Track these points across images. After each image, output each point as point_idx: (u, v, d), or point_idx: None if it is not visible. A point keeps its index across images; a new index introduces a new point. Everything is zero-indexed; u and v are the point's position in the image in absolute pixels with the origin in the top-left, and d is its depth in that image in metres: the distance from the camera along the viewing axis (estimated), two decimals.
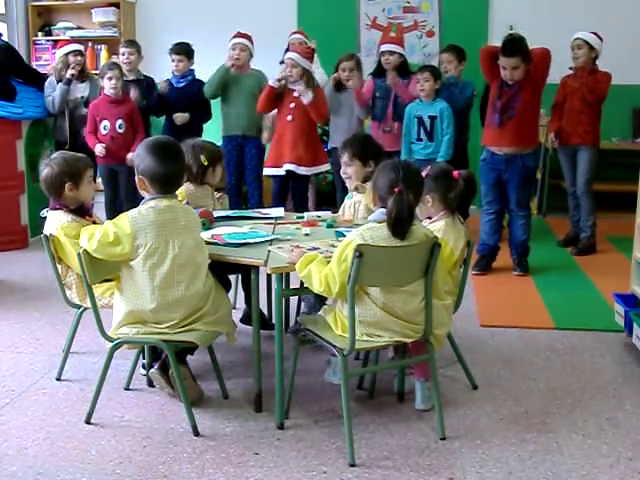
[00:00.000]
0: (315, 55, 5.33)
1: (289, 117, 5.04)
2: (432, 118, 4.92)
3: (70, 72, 5.43)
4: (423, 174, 2.76)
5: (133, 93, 5.39)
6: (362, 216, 3.34)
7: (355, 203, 3.44)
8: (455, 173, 2.90)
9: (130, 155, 5.07)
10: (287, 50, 5.52)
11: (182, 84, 5.46)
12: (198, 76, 5.52)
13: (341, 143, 3.60)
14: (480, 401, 2.90)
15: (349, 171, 3.43)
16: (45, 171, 3.04)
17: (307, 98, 4.92)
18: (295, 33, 5.73)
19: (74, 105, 5.52)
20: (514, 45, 4.43)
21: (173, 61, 5.43)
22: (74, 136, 5.49)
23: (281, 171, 5.06)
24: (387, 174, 2.49)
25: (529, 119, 4.60)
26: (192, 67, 5.51)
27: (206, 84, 5.38)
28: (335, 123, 5.41)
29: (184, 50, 5.42)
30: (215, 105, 5.54)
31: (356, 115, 5.33)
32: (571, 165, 5.39)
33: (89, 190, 3.11)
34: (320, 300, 3.23)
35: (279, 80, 4.96)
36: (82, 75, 5.53)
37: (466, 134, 5.46)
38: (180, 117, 5.37)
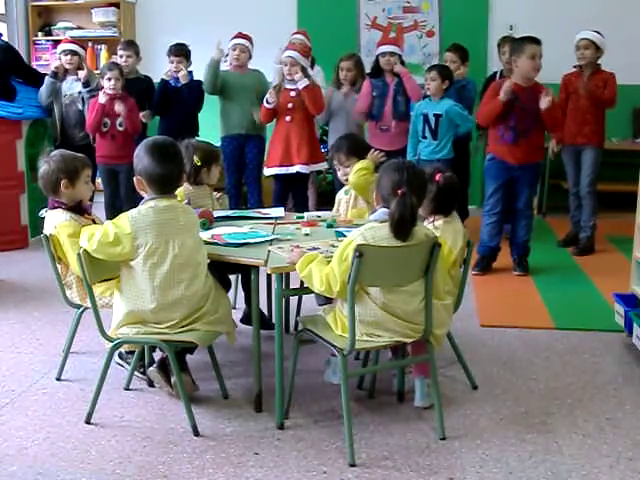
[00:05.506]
0: (317, 67, 5.36)
1: (288, 118, 5.07)
2: (437, 116, 4.90)
3: (54, 65, 5.47)
4: (436, 178, 2.81)
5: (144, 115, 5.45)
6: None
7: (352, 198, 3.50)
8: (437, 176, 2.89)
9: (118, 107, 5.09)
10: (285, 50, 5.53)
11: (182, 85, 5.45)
12: (198, 76, 5.51)
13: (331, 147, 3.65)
14: (480, 401, 2.90)
15: (349, 170, 3.44)
16: (42, 168, 3.04)
17: (303, 83, 4.96)
18: (297, 33, 5.73)
19: (70, 101, 5.48)
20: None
21: (172, 62, 5.41)
22: (66, 135, 5.50)
23: (285, 170, 5.08)
24: (391, 175, 2.47)
25: (541, 134, 4.67)
26: (190, 68, 5.49)
27: (204, 83, 5.40)
28: (334, 124, 5.44)
29: (183, 52, 5.42)
30: (215, 106, 5.54)
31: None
32: (575, 165, 5.36)
33: (86, 190, 3.10)
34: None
35: (271, 101, 5.02)
36: (77, 73, 5.46)
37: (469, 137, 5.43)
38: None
